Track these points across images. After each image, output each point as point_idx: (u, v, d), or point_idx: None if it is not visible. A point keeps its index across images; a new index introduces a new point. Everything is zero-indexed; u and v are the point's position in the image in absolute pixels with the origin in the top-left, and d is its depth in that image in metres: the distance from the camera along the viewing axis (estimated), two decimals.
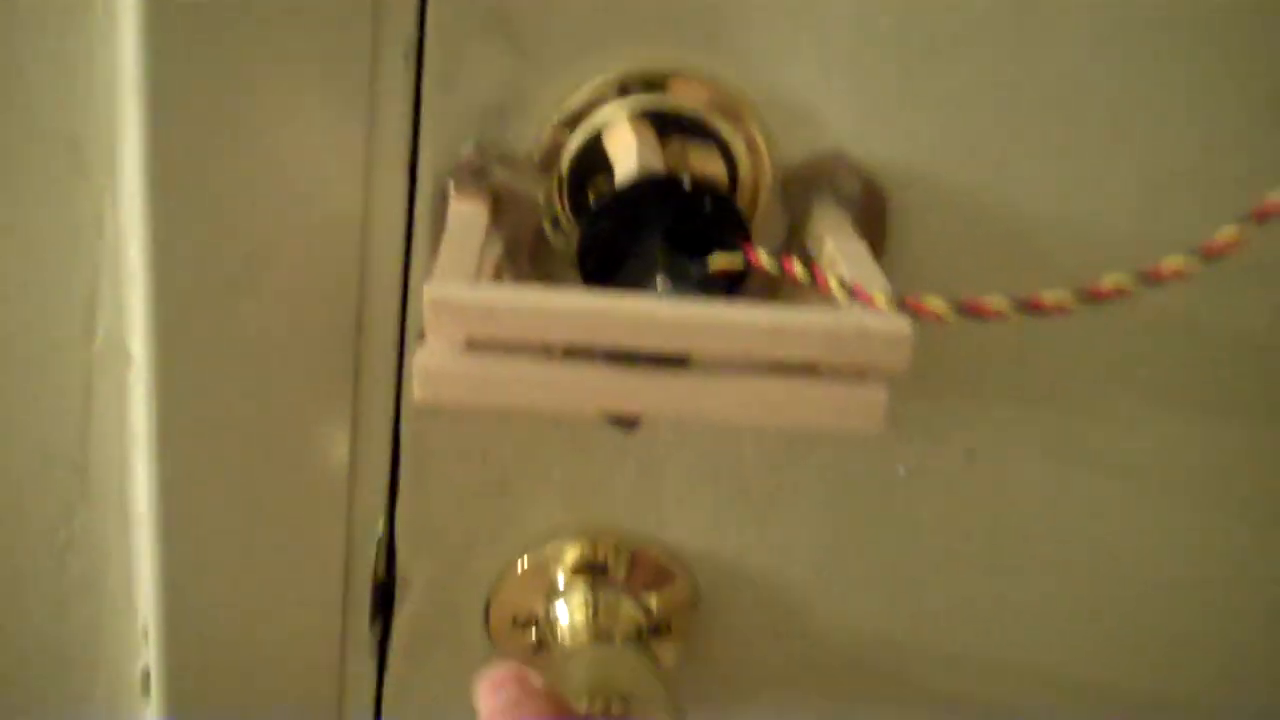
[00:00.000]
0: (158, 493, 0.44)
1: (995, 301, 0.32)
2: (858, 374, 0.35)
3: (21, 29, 0.40)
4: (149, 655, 0.48)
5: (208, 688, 0.49)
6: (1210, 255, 0.31)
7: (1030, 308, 0.32)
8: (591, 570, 0.49)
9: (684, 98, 0.40)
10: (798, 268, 0.34)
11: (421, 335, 0.36)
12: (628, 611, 0.48)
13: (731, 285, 0.38)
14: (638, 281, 0.37)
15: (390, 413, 0.45)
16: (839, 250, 0.38)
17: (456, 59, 0.40)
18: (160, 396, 0.42)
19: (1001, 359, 0.45)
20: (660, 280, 0.37)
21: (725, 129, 0.40)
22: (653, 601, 0.49)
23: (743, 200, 0.41)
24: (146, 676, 0.49)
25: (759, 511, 0.48)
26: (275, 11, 0.38)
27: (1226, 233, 0.31)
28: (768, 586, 0.49)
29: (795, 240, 0.42)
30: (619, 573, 0.49)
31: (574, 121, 0.41)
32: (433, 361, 0.35)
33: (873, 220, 0.41)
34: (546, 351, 0.36)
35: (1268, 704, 0.51)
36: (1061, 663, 0.50)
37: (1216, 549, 0.48)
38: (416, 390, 0.35)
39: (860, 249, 0.39)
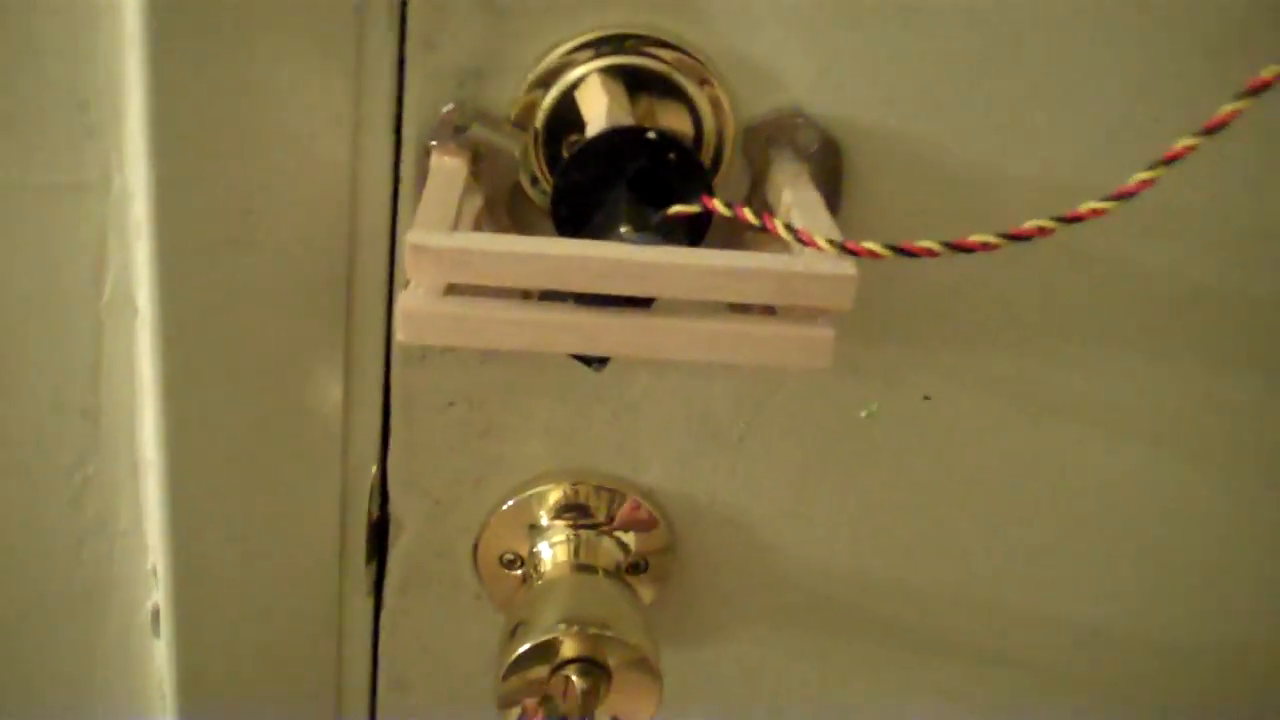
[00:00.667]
0: (164, 438, 0.47)
1: (927, 242, 0.35)
2: (807, 314, 0.38)
3: None
4: (158, 594, 0.51)
5: (214, 626, 0.52)
6: (1123, 197, 0.33)
7: (958, 247, 0.34)
8: (573, 511, 0.51)
9: (652, 58, 0.43)
10: (748, 213, 0.37)
11: (407, 282, 0.39)
12: (607, 549, 0.51)
13: (694, 235, 0.41)
14: (607, 230, 0.40)
15: (381, 361, 0.48)
16: (795, 200, 0.41)
17: (438, 22, 0.43)
18: (165, 346, 0.45)
19: (957, 308, 0.48)
20: (626, 228, 0.39)
21: (690, 88, 0.43)
22: (631, 541, 0.52)
23: (707, 154, 0.44)
24: (156, 615, 0.52)
25: (729, 454, 0.50)
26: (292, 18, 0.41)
27: (1138, 176, 0.33)
28: (739, 526, 0.52)
29: (757, 192, 0.44)
30: (599, 513, 0.52)
31: (548, 80, 0.43)
32: (414, 304, 0.38)
33: (830, 172, 0.44)
34: (521, 295, 0.39)
35: (1221, 630, 0.54)
36: (1016, 596, 0.53)
37: (1161, 486, 0.51)
38: (399, 331, 0.38)
39: (815, 198, 0.41)
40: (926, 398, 0.49)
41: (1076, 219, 0.34)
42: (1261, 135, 0.45)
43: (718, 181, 0.44)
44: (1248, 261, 0.47)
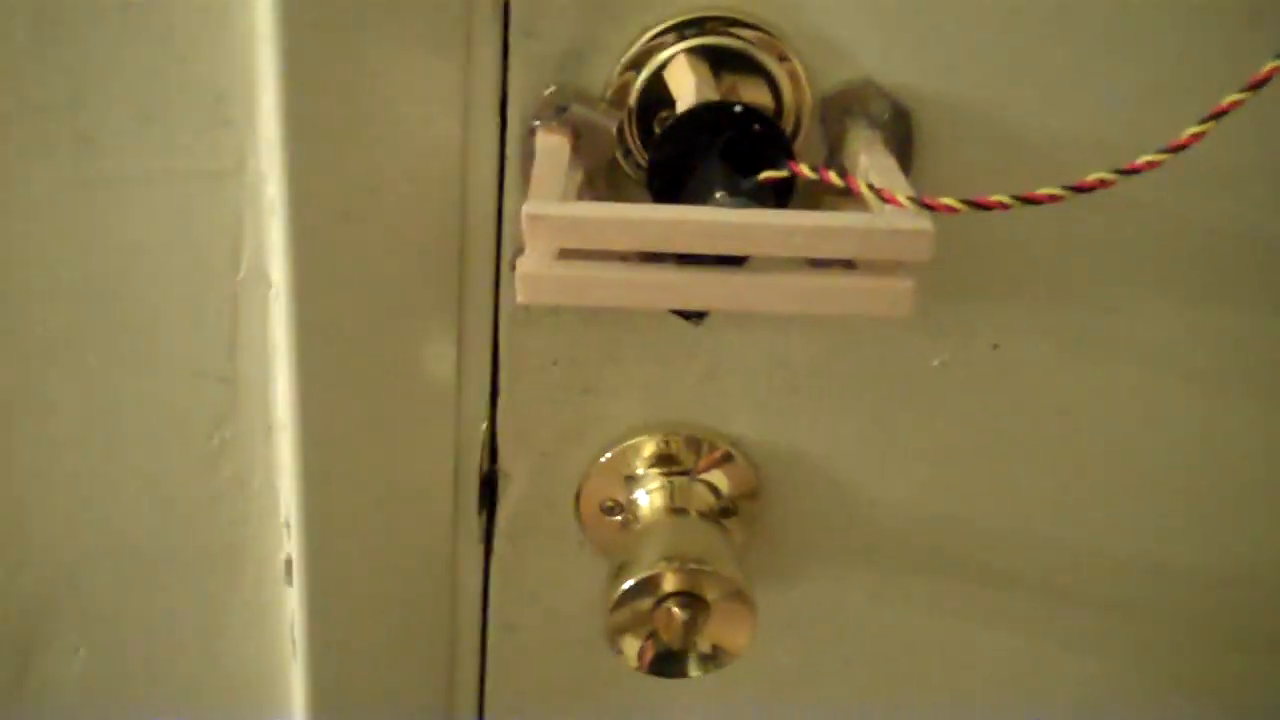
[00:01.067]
0: (296, 401, 0.51)
1: (998, 196, 0.38)
2: (888, 266, 0.42)
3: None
4: (290, 546, 0.56)
5: (341, 575, 0.56)
6: (1176, 150, 0.37)
7: (1028, 200, 0.38)
8: (666, 461, 0.56)
9: (733, 38, 0.47)
10: (833, 175, 0.41)
11: (519, 251, 0.43)
12: (700, 495, 0.55)
13: (780, 198, 0.45)
14: (701, 197, 0.44)
15: (490, 324, 0.52)
16: (871, 164, 0.45)
17: (538, 11, 0.47)
18: (297, 316, 0.50)
19: (1021, 262, 0.52)
20: (719, 194, 0.43)
21: (770, 63, 0.47)
22: (721, 487, 0.56)
23: (787, 125, 0.47)
24: (289, 565, 0.56)
25: (809, 404, 0.54)
26: (407, 13, 0.45)
27: (1190, 130, 0.37)
28: (821, 472, 0.56)
29: (834, 159, 0.48)
30: (691, 462, 0.56)
31: (640, 61, 0.47)
32: (532, 268, 0.42)
33: (901, 138, 0.47)
34: (626, 257, 0.43)
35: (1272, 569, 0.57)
36: (1082, 532, 0.57)
37: (1217, 424, 0.54)
38: (520, 293, 0.42)
39: (889, 162, 0.45)
40: (995, 346, 0.53)
41: (1134, 171, 0.38)
42: None
43: (797, 150, 0.47)
44: None
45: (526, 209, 0.41)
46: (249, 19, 0.46)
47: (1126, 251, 0.51)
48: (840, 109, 0.48)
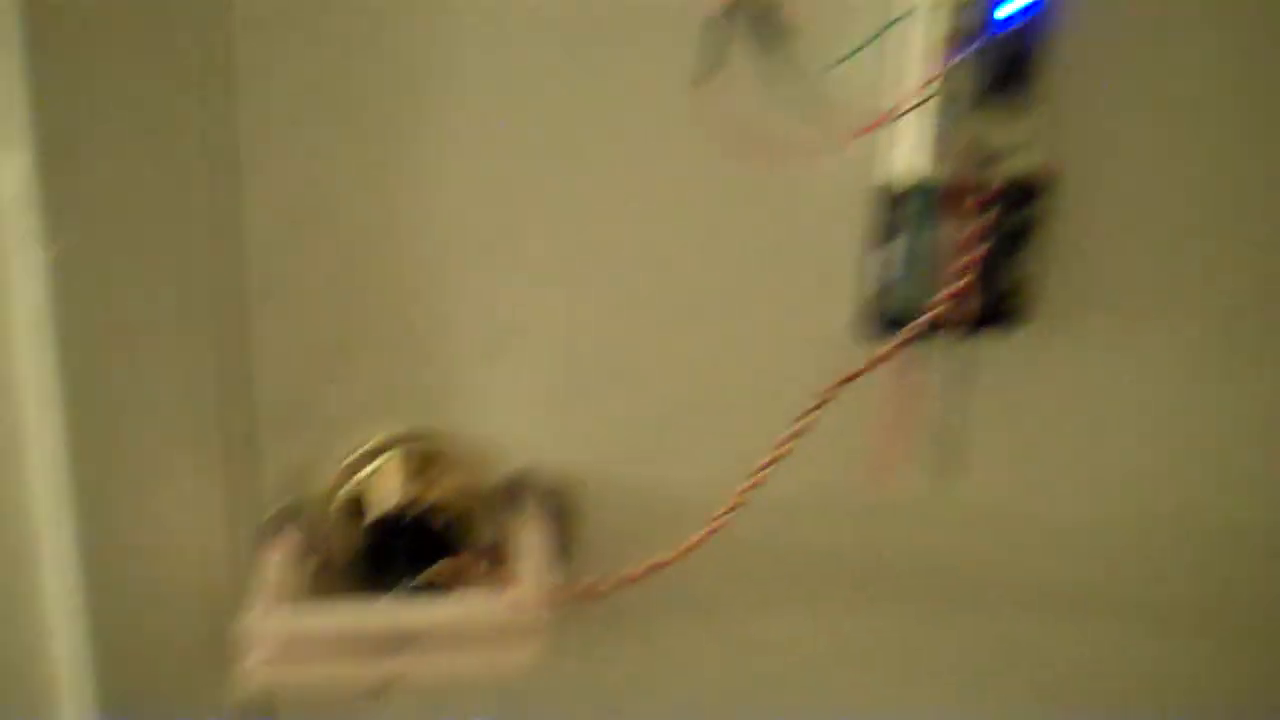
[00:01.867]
0: None
1: (597, 584, 0.51)
2: (518, 636, 0.54)
3: None
4: None
5: None
6: (731, 510, 0.50)
7: (624, 581, 0.51)
8: None
9: (427, 446, 0.60)
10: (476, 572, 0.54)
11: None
12: None
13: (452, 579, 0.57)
14: (391, 585, 0.57)
15: None
16: (525, 543, 0.58)
17: (278, 445, 0.60)
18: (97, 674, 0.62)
19: (681, 581, 0.64)
20: (403, 581, 0.56)
21: (453, 463, 0.60)
22: None
23: (471, 508, 0.61)
24: None
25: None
26: (172, 435, 0.59)
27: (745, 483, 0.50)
28: None
29: (509, 533, 0.61)
30: None
31: (351, 473, 0.60)
32: (255, 666, 0.54)
33: (558, 511, 0.61)
34: (329, 647, 0.55)
35: None
36: None
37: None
38: (248, 684, 0.55)
39: (538, 541, 0.58)
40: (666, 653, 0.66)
41: (656, 567, 0.51)
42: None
43: (480, 527, 0.61)
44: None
45: (247, 623, 0.54)
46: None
47: (755, 565, 0.65)
48: (509, 493, 0.61)
